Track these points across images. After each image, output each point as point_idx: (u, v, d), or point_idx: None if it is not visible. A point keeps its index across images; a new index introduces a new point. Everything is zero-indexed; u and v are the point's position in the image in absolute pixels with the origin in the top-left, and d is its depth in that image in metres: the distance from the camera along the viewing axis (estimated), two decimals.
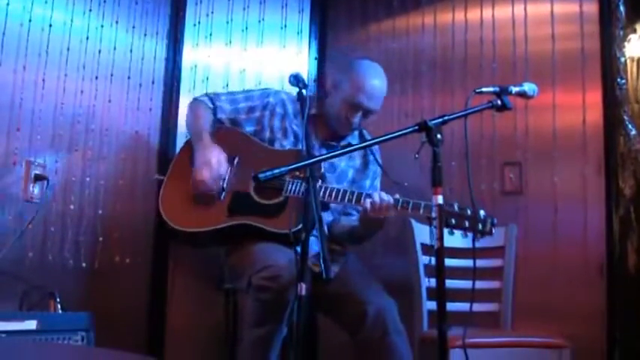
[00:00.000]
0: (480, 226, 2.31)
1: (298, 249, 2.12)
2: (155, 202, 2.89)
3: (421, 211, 2.42)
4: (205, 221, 2.67)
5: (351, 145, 2.78)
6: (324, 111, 2.83)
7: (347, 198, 2.52)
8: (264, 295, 2.37)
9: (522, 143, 3.21)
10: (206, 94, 2.95)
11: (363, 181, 2.87)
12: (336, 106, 2.75)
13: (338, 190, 2.54)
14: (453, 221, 2.29)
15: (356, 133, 2.89)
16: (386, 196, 2.45)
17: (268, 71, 3.53)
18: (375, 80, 2.73)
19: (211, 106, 2.87)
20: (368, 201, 2.44)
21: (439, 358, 1.88)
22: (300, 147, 2.75)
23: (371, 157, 2.88)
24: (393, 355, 2.45)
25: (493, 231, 2.34)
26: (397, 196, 2.47)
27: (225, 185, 2.71)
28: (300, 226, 2.30)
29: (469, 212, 2.30)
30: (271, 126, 2.83)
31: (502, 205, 3.17)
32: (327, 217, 2.76)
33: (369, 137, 2.93)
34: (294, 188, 2.58)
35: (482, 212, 2.32)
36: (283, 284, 2.32)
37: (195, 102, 2.92)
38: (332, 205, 2.73)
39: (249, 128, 2.84)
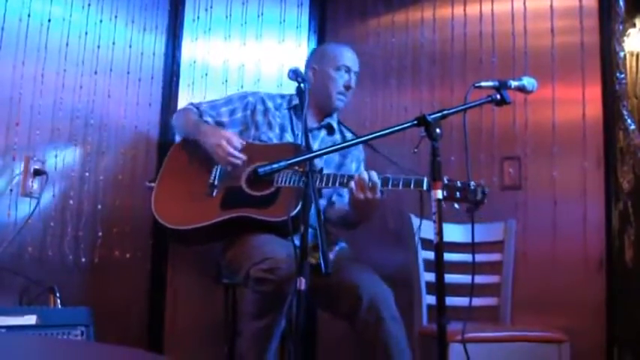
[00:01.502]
0: (472, 196, 2.29)
1: (296, 241, 2.12)
2: None
3: (412, 186, 2.42)
4: (199, 218, 2.67)
5: (331, 126, 2.95)
6: (310, 96, 2.88)
7: (338, 182, 2.54)
8: (263, 287, 2.38)
9: (521, 138, 3.21)
10: (190, 103, 3.02)
11: (349, 165, 2.92)
12: (326, 80, 2.89)
13: (328, 175, 2.56)
14: (445, 193, 2.28)
15: (335, 114, 2.98)
16: (367, 174, 2.44)
17: (267, 66, 3.53)
18: (346, 47, 2.99)
19: (196, 111, 2.93)
20: (352, 182, 2.46)
21: (438, 352, 1.89)
22: (289, 138, 2.86)
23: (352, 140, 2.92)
24: (389, 340, 2.45)
25: (485, 200, 2.31)
26: (388, 175, 2.48)
27: (216, 182, 2.73)
28: (298, 209, 2.32)
29: (459, 184, 2.29)
30: (255, 122, 2.89)
31: (501, 200, 3.17)
32: (320, 202, 2.78)
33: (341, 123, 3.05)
34: (284, 178, 2.60)
35: (472, 183, 2.30)
36: (282, 276, 2.33)
37: (180, 110, 3.04)
38: (323, 191, 2.76)
39: (233, 129, 2.89)
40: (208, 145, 2.73)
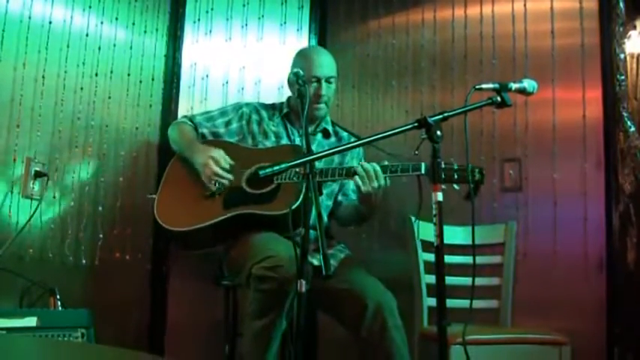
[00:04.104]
0: (469, 177, 2.31)
1: (297, 239, 2.12)
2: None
3: (410, 171, 2.46)
4: (202, 218, 2.68)
5: (327, 130, 2.97)
6: (295, 104, 2.92)
7: (337, 173, 2.56)
8: (265, 284, 2.39)
9: (522, 139, 3.21)
10: (184, 116, 3.05)
11: (350, 163, 2.91)
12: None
13: (327, 169, 2.59)
14: (443, 176, 2.29)
15: (328, 118, 2.99)
16: (369, 165, 2.49)
17: (268, 68, 3.53)
18: (318, 52, 2.96)
19: (191, 124, 2.95)
20: (356, 177, 2.48)
21: (439, 354, 1.89)
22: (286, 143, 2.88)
23: (349, 139, 2.98)
24: (392, 348, 2.47)
25: (484, 181, 2.36)
26: (385, 162, 2.51)
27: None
28: (299, 202, 2.33)
29: (456, 166, 2.33)
30: (251, 132, 2.92)
31: (502, 202, 3.17)
32: (324, 202, 2.82)
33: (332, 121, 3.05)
34: (284, 175, 2.61)
35: (469, 165, 2.32)
36: (284, 274, 2.35)
37: (175, 124, 3.03)
38: (324, 191, 2.80)
39: (231, 139, 2.93)
40: (196, 164, 2.76)
